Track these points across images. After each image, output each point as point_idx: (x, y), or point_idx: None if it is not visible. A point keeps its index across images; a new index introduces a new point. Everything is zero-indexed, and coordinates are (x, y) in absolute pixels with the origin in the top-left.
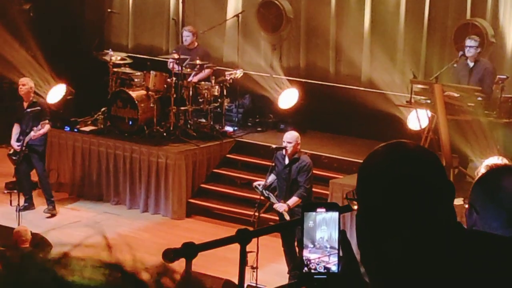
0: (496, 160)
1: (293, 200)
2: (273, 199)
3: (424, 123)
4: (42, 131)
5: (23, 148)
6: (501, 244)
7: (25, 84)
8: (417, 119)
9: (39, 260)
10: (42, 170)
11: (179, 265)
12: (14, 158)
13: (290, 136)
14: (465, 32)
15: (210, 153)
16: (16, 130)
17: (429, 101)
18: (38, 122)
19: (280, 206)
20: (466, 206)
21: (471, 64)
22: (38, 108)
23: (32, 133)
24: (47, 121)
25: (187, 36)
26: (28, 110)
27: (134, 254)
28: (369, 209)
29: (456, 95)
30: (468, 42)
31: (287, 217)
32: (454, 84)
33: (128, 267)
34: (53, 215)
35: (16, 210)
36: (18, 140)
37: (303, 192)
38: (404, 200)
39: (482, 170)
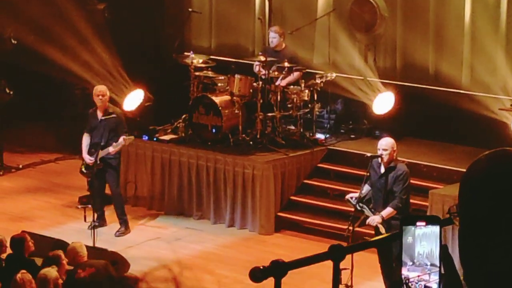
0: None
1: (388, 211)
2: (367, 211)
3: None
4: (120, 146)
5: (97, 162)
6: None
7: (105, 94)
8: None
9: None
10: (116, 186)
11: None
12: (86, 172)
13: (385, 143)
14: None
15: (300, 162)
16: (86, 141)
17: None
18: (114, 134)
19: (373, 220)
20: None
21: None
22: (114, 116)
23: (110, 148)
24: (126, 135)
25: (273, 37)
26: (103, 118)
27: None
28: (474, 221)
29: None
30: None
31: (383, 231)
32: None
33: None
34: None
35: (90, 228)
36: (89, 152)
37: (398, 203)
38: (510, 210)
39: None
